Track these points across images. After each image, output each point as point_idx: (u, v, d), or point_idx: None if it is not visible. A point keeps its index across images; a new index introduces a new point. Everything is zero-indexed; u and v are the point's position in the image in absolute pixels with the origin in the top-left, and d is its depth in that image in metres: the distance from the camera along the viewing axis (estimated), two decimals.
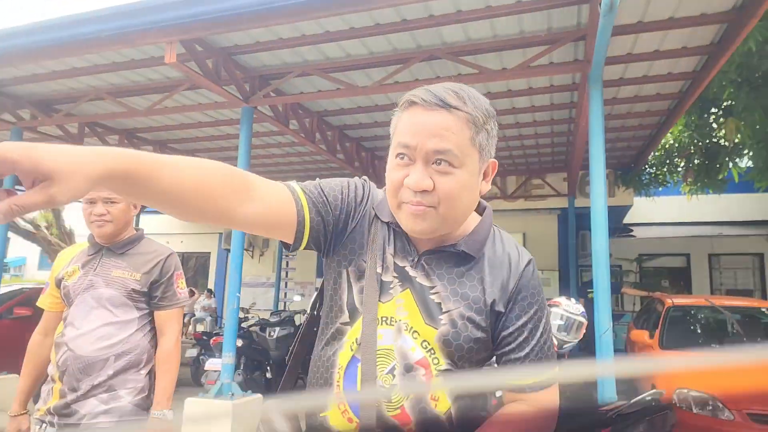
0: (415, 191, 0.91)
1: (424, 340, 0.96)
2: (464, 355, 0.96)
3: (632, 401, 1.75)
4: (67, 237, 12.37)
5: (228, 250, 12.05)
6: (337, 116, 6.53)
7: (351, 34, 4.33)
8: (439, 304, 0.97)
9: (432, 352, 0.96)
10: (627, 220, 9.91)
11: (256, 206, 0.90)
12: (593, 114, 3.82)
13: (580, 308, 3.05)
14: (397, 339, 0.97)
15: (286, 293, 11.90)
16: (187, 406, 4.28)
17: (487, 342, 0.99)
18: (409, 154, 0.91)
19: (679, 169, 8.32)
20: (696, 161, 7.86)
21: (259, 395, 4.91)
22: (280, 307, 11.06)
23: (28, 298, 7.29)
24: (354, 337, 0.99)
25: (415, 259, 1.01)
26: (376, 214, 1.04)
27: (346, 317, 1.01)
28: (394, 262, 1.01)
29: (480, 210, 1.08)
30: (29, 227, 11.94)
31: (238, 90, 4.97)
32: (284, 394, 1.19)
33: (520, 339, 0.99)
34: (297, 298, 8.40)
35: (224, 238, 11.70)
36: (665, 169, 8.37)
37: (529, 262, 1.03)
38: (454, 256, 1.00)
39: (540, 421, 1.00)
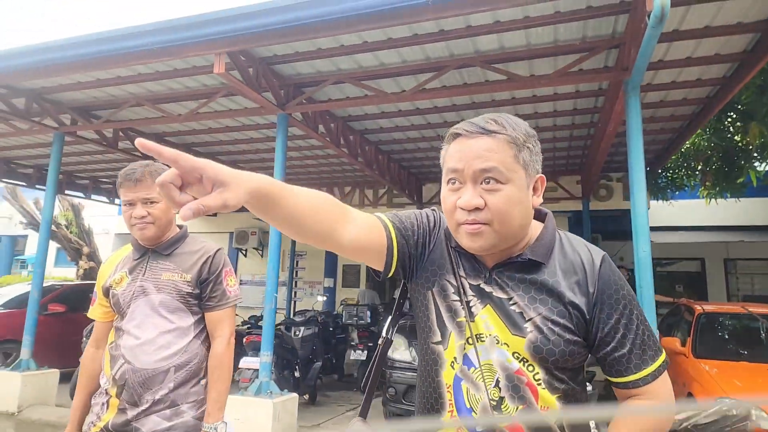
0: (468, 210, 0.98)
1: (515, 352, 1.01)
2: (558, 359, 0.99)
3: (709, 411, 1.81)
4: (86, 235, 12.59)
5: (239, 249, 12.24)
6: (359, 121, 6.66)
7: (388, 45, 4.46)
8: (521, 313, 1.01)
9: (525, 361, 1.00)
10: None
11: (353, 229, 1.01)
12: (632, 120, 3.95)
13: None
14: (492, 352, 1.02)
15: (296, 292, 12.05)
16: (229, 403, 4.43)
17: (579, 344, 1.01)
18: (458, 178, 1.00)
19: (697, 172, 8.40)
20: (714, 165, 7.94)
21: (295, 394, 5.06)
22: (298, 306, 11.22)
23: (61, 295, 7.49)
24: (452, 356, 1.06)
25: (487, 275, 1.06)
26: (447, 240, 1.13)
27: (438, 337, 1.08)
28: (468, 283, 1.08)
29: (542, 218, 1.13)
30: (51, 225, 12.13)
31: (275, 97, 5.11)
32: (364, 416, 1.22)
33: (618, 336, 1.01)
34: (320, 298, 8.54)
35: (235, 237, 11.87)
36: (683, 173, 8.45)
37: (603, 260, 1.05)
38: (523, 266, 1.05)
39: (663, 412, 1.06)
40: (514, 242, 1.04)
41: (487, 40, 4.41)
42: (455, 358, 1.05)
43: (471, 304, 1.06)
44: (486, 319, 1.04)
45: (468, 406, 1.02)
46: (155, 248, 1.86)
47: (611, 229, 9.78)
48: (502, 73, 4.67)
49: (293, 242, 11.35)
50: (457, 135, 1.02)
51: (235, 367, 5.77)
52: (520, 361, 1.00)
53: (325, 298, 9.13)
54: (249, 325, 8.19)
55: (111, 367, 1.78)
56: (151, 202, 1.79)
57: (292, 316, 7.91)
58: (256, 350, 5.44)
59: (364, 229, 1.04)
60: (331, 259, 11.61)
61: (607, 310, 1.02)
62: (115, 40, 4.15)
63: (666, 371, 1.06)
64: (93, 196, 10.81)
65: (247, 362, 5.11)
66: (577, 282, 1.03)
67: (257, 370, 4.88)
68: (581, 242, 1.10)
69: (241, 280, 12.50)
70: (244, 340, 5.90)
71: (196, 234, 1.99)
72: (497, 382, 1.01)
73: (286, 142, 5.36)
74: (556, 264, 1.05)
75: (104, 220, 15.41)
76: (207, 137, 7.39)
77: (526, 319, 1.01)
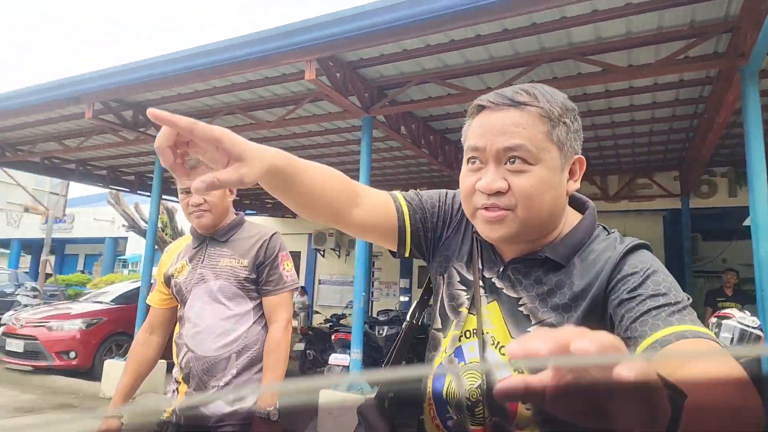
0: (488, 194, 0.85)
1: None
2: None
3: None
4: (179, 236, 13.52)
5: (317, 250, 12.60)
6: (440, 120, 6.61)
7: (476, 42, 4.38)
8: (528, 316, 0.89)
9: (520, 371, 0.87)
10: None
11: (360, 211, 0.95)
12: (750, 110, 3.62)
13: (756, 320, 2.88)
14: (484, 353, 0.92)
15: (372, 293, 12.20)
16: (323, 397, 4.58)
17: None
18: (479, 157, 0.88)
19: None
20: None
21: None
22: (375, 307, 11.37)
23: None
24: (446, 344, 0.99)
25: (501, 270, 0.95)
26: (469, 224, 1.02)
27: (438, 324, 1.03)
28: (482, 274, 0.97)
29: (583, 209, 0.98)
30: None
31: (359, 101, 5.19)
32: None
33: (639, 299, 0.78)
34: (402, 298, 8.60)
35: (313, 238, 12.22)
36: None
37: (631, 248, 0.86)
38: (542, 265, 0.91)
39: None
40: (540, 234, 0.90)
41: (582, 31, 4.20)
42: (447, 347, 0.99)
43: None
44: (488, 315, 0.94)
45: (445, 398, 0.96)
46: (213, 235, 1.87)
47: (714, 228, 9.01)
48: (597, 64, 4.44)
49: (369, 243, 11.51)
50: (481, 107, 0.89)
51: (320, 362, 5.95)
52: (515, 370, 0.85)
53: (407, 298, 9.17)
54: (331, 323, 8.40)
55: (177, 355, 1.82)
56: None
57: (375, 316, 8.00)
58: (343, 347, 5.56)
59: (373, 210, 0.98)
60: (406, 259, 11.60)
61: (631, 284, 0.81)
62: (215, 53, 4.40)
63: (723, 350, 0.74)
64: None
65: (336, 359, 5.24)
66: (598, 275, 0.85)
67: (346, 366, 4.98)
68: (617, 238, 0.92)
69: (319, 280, 12.88)
70: (333, 337, 6.05)
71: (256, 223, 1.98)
72: (481, 384, 0.91)
73: (371, 145, 5.42)
74: (579, 265, 0.89)
75: None
76: (291, 142, 7.65)
77: (532, 323, 0.88)
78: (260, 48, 4.25)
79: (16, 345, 7.12)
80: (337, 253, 12.44)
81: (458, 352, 0.96)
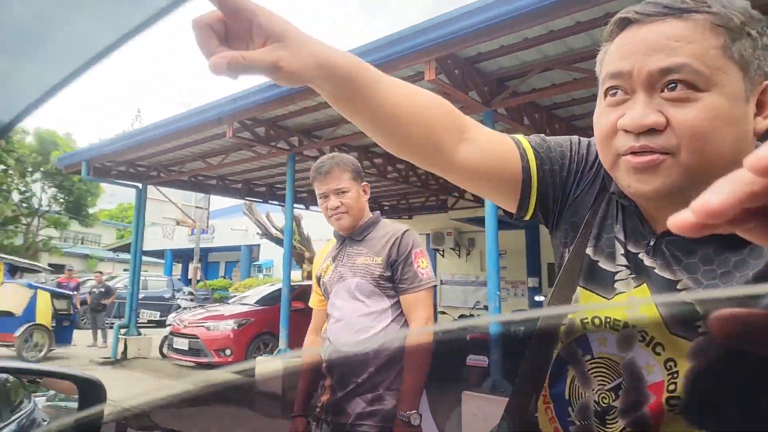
0: (637, 133, 0.62)
1: (670, 359, 0.66)
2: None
3: None
4: (306, 242, 14.44)
5: (436, 250, 12.57)
6: (565, 108, 6.25)
7: (605, 21, 4.02)
8: (692, 305, 0.64)
9: (676, 375, 0.66)
10: None
11: (470, 149, 0.75)
12: None
13: None
14: (626, 350, 0.70)
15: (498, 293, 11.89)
16: (465, 399, 4.58)
17: None
18: (623, 85, 0.64)
19: None
20: None
21: None
22: (506, 307, 11.10)
23: (300, 293, 8.71)
24: (562, 333, 0.80)
25: (651, 243, 0.70)
26: (604, 182, 0.78)
27: None
28: (626, 248, 0.73)
29: None
30: (279, 234, 14.29)
31: (479, 95, 5.10)
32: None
33: None
34: (538, 298, 8.32)
35: (432, 238, 12.21)
36: None
37: None
38: (714, 239, 0.63)
39: None
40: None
41: None
42: (563, 335, 0.79)
43: (617, 277, 0.73)
44: (636, 304, 0.72)
45: (567, 397, 0.76)
46: (351, 235, 1.93)
47: None
48: None
49: (497, 233, 11.21)
50: (625, 22, 0.66)
51: (462, 363, 5.93)
52: (670, 374, 0.66)
53: (542, 299, 8.85)
54: None
55: (323, 349, 1.93)
56: (342, 192, 1.87)
57: None
58: (478, 348, 5.52)
59: (487, 149, 0.76)
60: (533, 257, 11.16)
61: None
62: None
63: None
64: (311, 208, 12.29)
65: (474, 359, 5.21)
66: None
67: (485, 367, 4.93)
68: None
69: (441, 281, 12.88)
70: (468, 336, 6.04)
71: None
72: (618, 386, 0.71)
73: None
74: None
75: (321, 228, 17.51)
76: None
77: (701, 314, 0.63)
78: (381, 54, 4.35)
79: (181, 343, 8.12)
80: (457, 252, 12.34)
81: (582, 343, 0.76)
